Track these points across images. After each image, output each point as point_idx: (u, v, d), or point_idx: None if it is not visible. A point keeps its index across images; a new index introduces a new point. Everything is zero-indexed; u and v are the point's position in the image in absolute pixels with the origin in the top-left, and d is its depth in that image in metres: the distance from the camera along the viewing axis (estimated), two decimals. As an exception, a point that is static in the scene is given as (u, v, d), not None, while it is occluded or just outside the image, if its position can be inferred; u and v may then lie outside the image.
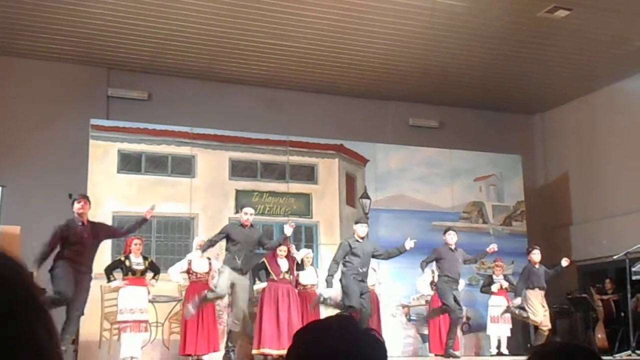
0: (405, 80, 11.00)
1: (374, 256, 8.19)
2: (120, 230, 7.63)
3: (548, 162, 12.73)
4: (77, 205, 6.99)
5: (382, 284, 9.66)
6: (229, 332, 8.05)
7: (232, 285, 7.73)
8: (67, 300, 6.61)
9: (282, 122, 10.65)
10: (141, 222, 7.49)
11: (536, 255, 9.17)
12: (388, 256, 8.34)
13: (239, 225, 7.93)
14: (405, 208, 10.70)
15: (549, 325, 9.14)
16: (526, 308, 9.09)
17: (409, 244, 8.07)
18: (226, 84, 10.75)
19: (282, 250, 8.71)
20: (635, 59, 10.37)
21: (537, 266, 9.15)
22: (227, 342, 8.01)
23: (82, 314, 6.99)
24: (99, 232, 7.13)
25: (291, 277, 8.64)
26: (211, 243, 7.89)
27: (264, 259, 8.70)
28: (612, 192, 11.25)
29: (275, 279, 8.54)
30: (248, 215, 7.90)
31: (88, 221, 7.06)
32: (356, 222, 8.33)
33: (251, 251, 7.87)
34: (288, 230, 7.96)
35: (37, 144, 9.49)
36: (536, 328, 9.26)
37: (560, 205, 12.22)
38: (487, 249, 8.90)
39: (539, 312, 9.01)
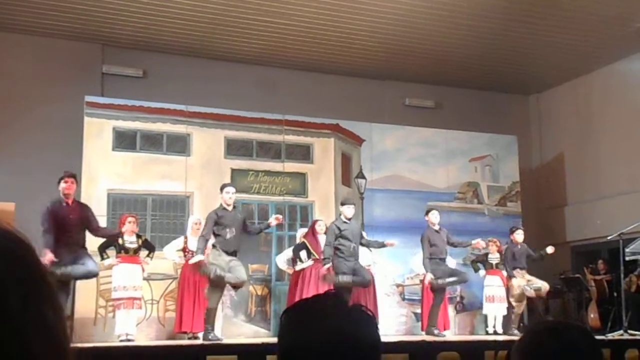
0: (401, 60, 10.96)
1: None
2: (100, 230, 7.32)
3: (543, 143, 12.74)
4: (62, 185, 6.78)
5: (377, 264, 9.69)
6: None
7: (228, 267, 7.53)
8: (70, 278, 6.60)
9: (278, 101, 10.61)
10: (117, 235, 7.45)
11: (519, 236, 9.39)
12: (367, 245, 8.49)
13: (222, 209, 7.55)
14: (401, 188, 10.71)
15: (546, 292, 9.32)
16: (507, 292, 9.35)
17: (390, 242, 8.30)
18: (222, 62, 10.69)
19: (320, 227, 8.72)
20: (633, 40, 10.35)
21: (518, 246, 9.35)
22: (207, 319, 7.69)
23: (98, 270, 7.00)
24: (85, 213, 6.98)
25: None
26: (205, 238, 7.47)
27: (303, 239, 8.79)
28: (607, 173, 11.28)
29: (317, 257, 8.55)
30: (230, 194, 7.53)
31: (74, 201, 6.89)
32: (342, 204, 8.30)
33: (239, 232, 7.55)
34: (273, 222, 7.76)
35: (31, 120, 9.44)
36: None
37: (555, 186, 12.26)
38: (473, 242, 8.97)
39: (515, 296, 9.19)
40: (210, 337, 7.30)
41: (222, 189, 7.65)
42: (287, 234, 9.79)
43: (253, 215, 9.64)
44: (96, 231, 7.28)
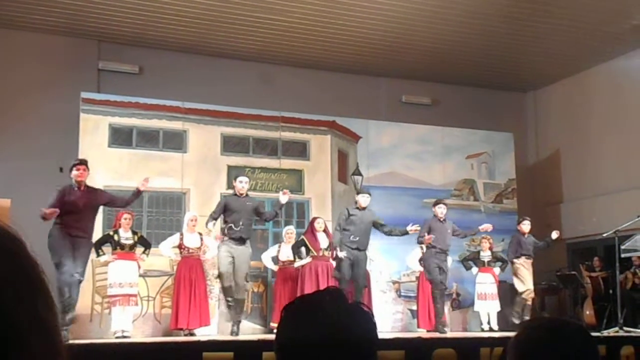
0: (398, 57, 10.96)
1: (375, 226, 8.28)
2: (118, 200, 7.44)
3: (540, 140, 12.76)
4: (75, 172, 6.81)
5: (373, 261, 9.67)
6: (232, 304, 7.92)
7: (232, 258, 7.63)
8: (68, 273, 6.54)
9: (274, 97, 10.60)
10: (137, 195, 7.39)
11: (526, 226, 9.51)
12: (390, 233, 8.45)
13: (232, 195, 7.90)
14: (397, 185, 10.72)
15: (533, 295, 9.41)
16: (514, 277, 9.43)
17: (412, 228, 8.27)
18: (218, 58, 10.67)
19: (319, 224, 8.74)
20: (630, 38, 10.36)
21: (525, 236, 9.47)
22: (232, 313, 7.94)
23: (82, 278, 6.89)
24: (96, 198, 6.97)
25: (330, 253, 8.55)
26: (214, 217, 7.76)
27: (302, 236, 8.85)
28: (603, 170, 11.30)
29: (316, 255, 8.58)
30: (243, 183, 7.84)
31: (85, 187, 6.88)
32: (358, 192, 8.52)
33: (249, 220, 7.79)
34: (283, 199, 7.89)
35: (27, 117, 9.42)
36: (519, 296, 9.42)
37: (551, 183, 12.28)
38: (480, 227, 9.04)
39: (527, 280, 9.31)
40: (234, 329, 7.61)
41: (235, 178, 8.05)
42: (283, 230, 9.78)
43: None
44: (119, 204, 7.51)
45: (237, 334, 7.60)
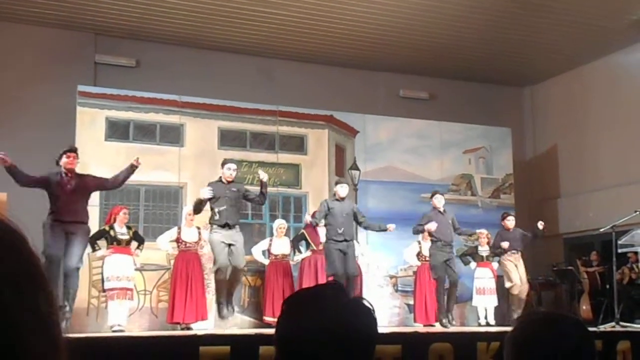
0: (396, 52, 10.95)
1: (354, 217, 8.06)
2: (109, 182, 7.10)
3: (537, 135, 12.77)
4: (64, 160, 6.63)
5: (365, 255, 9.64)
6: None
7: (228, 246, 7.30)
8: (57, 264, 6.45)
9: (272, 91, 10.59)
10: (131, 171, 7.14)
11: (510, 222, 9.36)
12: (366, 227, 8.30)
13: (216, 182, 7.46)
14: (395, 180, 10.72)
15: (524, 288, 9.24)
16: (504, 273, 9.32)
17: (391, 227, 8.14)
18: (216, 52, 10.65)
19: None
20: (628, 33, 10.36)
21: (510, 232, 9.31)
22: (217, 299, 7.66)
23: (81, 265, 6.80)
24: (85, 183, 6.75)
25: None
26: (201, 205, 7.39)
27: (303, 230, 8.84)
28: (600, 165, 11.32)
29: (315, 249, 8.57)
30: (231, 170, 7.42)
31: (74, 174, 6.69)
32: (336, 183, 8.25)
33: (233, 206, 7.39)
34: (263, 176, 7.56)
35: (23, 110, 9.39)
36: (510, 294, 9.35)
37: (549, 178, 12.30)
38: (478, 232, 9.17)
39: (513, 274, 9.15)
40: (224, 313, 7.31)
41: (223, 164, 7.54)
42: (275, 224, 9.76)
43: (247, 207, 9.61)
44: (112, 185, 7.12)
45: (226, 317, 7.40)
